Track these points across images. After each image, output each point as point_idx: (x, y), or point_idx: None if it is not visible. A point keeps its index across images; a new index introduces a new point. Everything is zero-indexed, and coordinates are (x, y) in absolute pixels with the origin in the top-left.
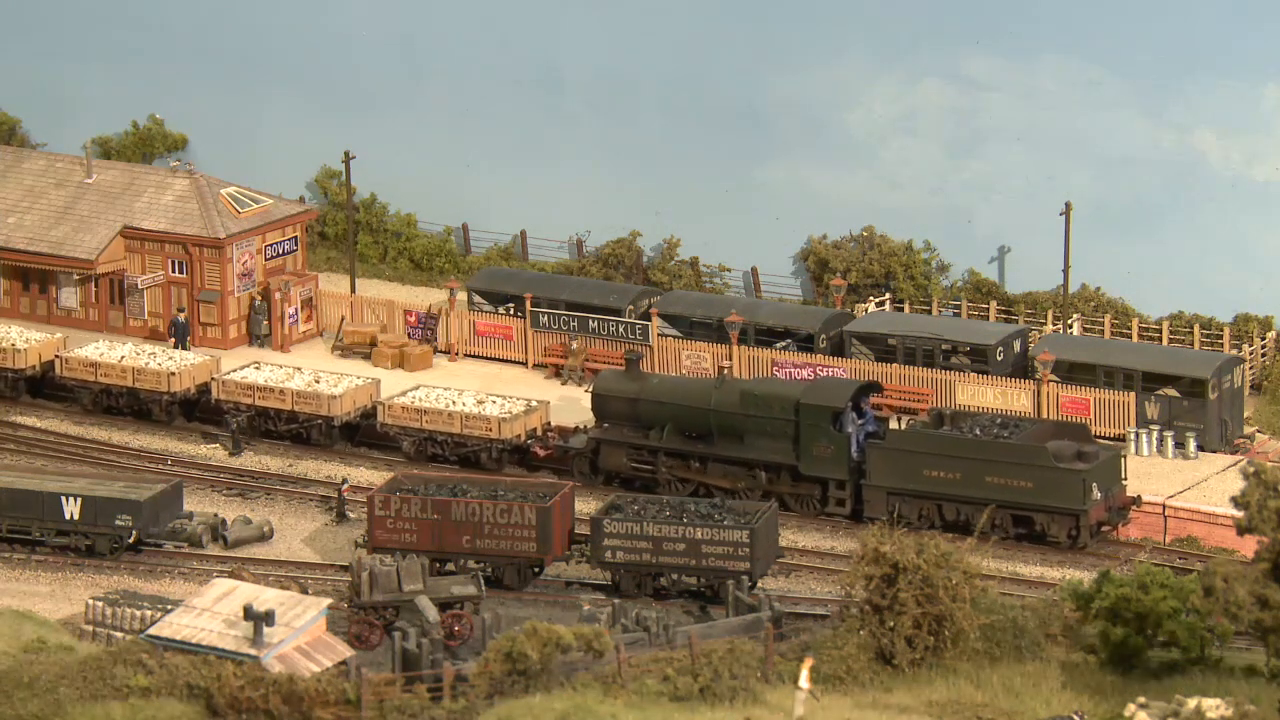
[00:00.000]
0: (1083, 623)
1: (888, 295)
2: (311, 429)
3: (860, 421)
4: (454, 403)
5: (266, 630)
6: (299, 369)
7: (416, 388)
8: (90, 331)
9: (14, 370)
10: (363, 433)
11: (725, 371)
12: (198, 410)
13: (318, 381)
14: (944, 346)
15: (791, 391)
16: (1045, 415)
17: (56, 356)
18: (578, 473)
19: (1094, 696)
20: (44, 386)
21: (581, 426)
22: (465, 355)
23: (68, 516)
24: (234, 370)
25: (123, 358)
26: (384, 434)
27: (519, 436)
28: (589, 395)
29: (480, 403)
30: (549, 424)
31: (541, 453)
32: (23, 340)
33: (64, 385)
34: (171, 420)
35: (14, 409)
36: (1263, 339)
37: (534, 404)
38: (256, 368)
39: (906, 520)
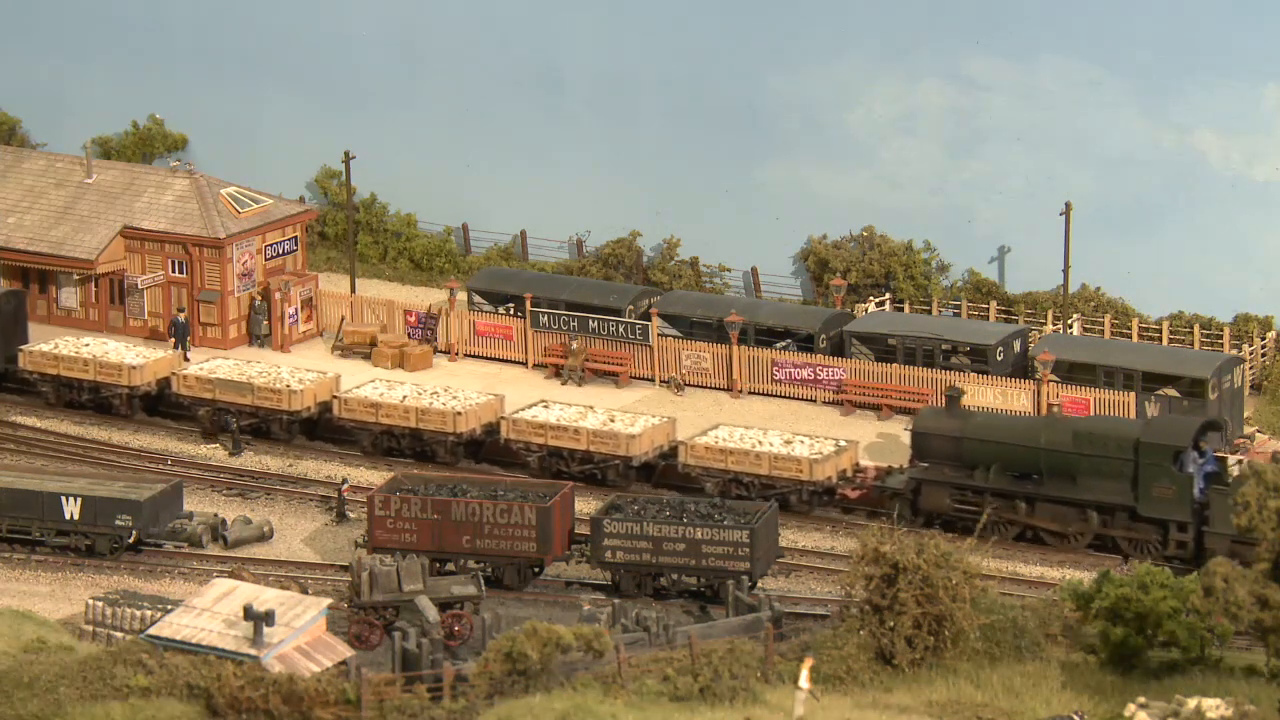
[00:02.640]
0: (1083, 623)
1: (888, 295)
2: (607, 469)
3: (1201, 461)
4: (760, 442)
5: (266, 630)
6: (591, 407)
7: (717, 426)
8: (90, 331)
9: (289, 412)
10: (660, 473)
11: (1055, 409)
12: (481, 451)
13: (613, 420)
14: (944, 346)
15: (1129, 430)
16: None
17: (334, 397)
18: (897, 515)
19: (1094, 696)
20: (319, 428)
21: (896, 467)
22: (465, 355)
23: (68, 516)
24: (523, 409)
25: (405, 398)
26: (686, 475)
27: (830, 478)
28: (908, 433)
29: (788, 442)
30: (858, 464)
31: (853, 494)
32: (297, 380)
33: (340, 427)
34: (456, 462)
35: (286, 451)
36: (1263, 339)
37: (843, 443)
38: (545, 406)
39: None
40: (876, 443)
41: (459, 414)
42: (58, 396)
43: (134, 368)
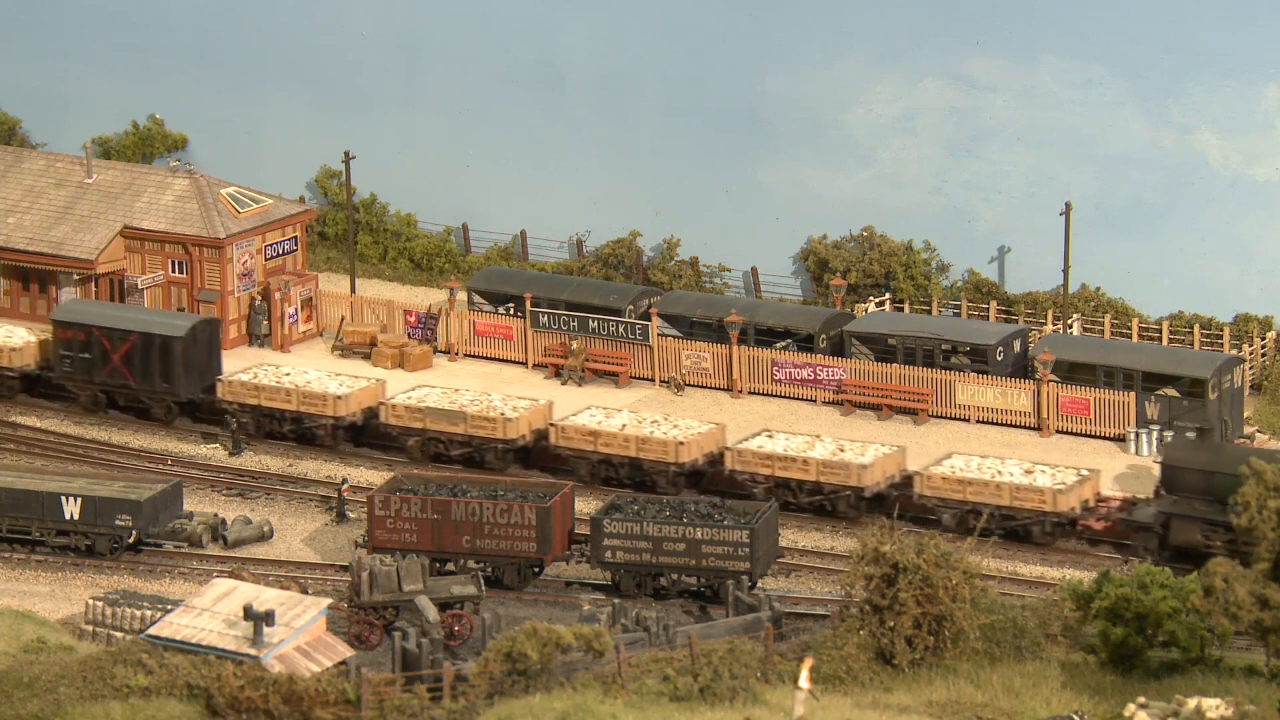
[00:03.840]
0: (1083, 623)
1: (888, 295)
2: (838, 501)
3: None
4: (999, 472)
5: (266, 630)
6: (818, 436)
7: (950, 455)
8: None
9: (504, 441)
10: (889, 504)
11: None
12: (703, 482)
13: (842, 450)
14: (944, 346)
15: None
16: (1046, 416)
17: (550, 425)
18: (1143, 548)
19: (1094, 696)
20: (534, 456)
21: (1141, 498)
22: (465, 355)
23: (68, 516)
24: (748, 439)
25: (624, 426)
26: (921, 506)
27: (1073, 509)
28: (1157, 465)
29: (1028, 471)
30: (1100, 494)
31: (1098, 525)
32: (510, 408)
33: (558, 455)
34: (677, 491)
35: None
36: (1263, 339)
37: (1085, 473)
38: (769, 436)
39: None
40: (1124, 473)
41: (681, 444)
42: (257, 427)
43: (339, 397)
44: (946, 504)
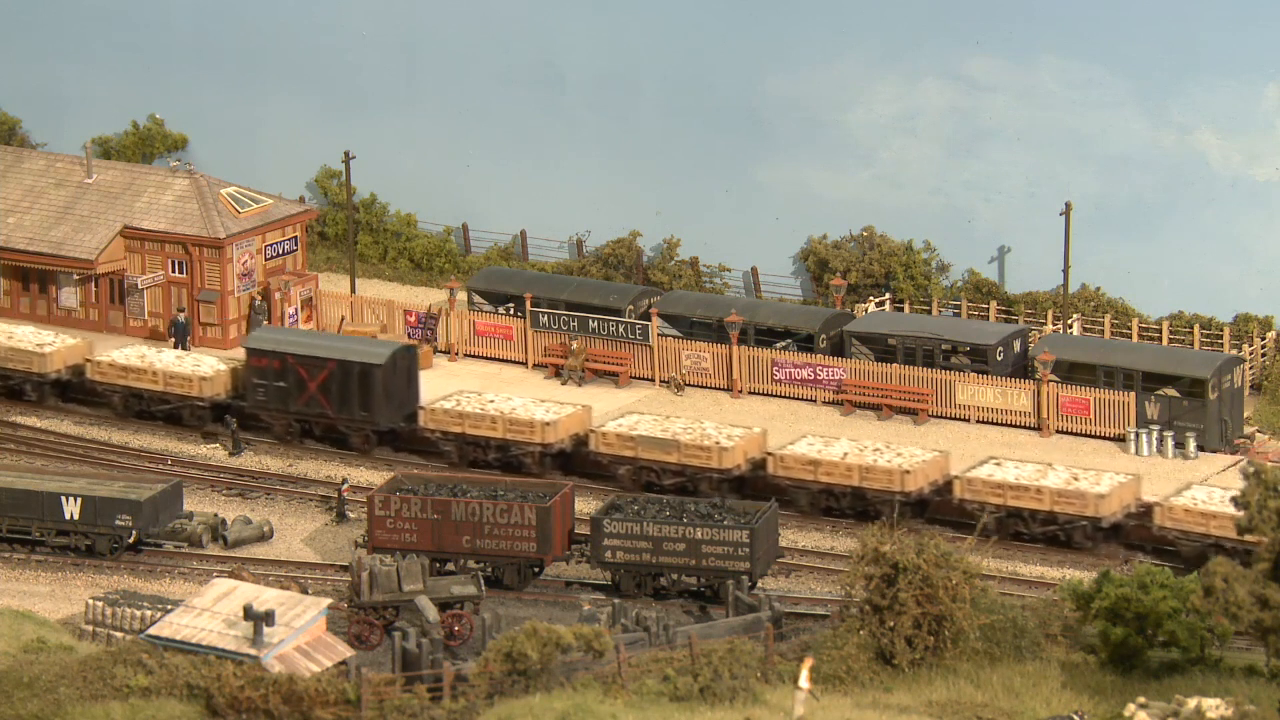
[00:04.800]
0: (1083, 623)
1: (888, 295)
2: (1073, 531)
3: None
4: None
5: (266, 630)
6: (1050, 465)
7: (1189, 485)
8: (90, 331)
9: (719, 471)
10: (1126, 534)
11: None
12: (928, 511)
13: (1076, 479)
14: (944, 346)
15: None
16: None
17: (768, 454)
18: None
19: (1094, 696)
20: (748, 485)
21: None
22: (465, 355)
23: (68, 516)
24: (975, 467)
25: (845, 454)
26: (1161, 538)
27: None
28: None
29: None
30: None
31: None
32: (725, 436)
33: (776, 486)
34: (898, 524)
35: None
36: (1263, 339)
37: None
38: (998, 464)
39: None
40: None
41: (907, 472)
42: (461, 455)
43: (547, 424)
44: (1189, 536)
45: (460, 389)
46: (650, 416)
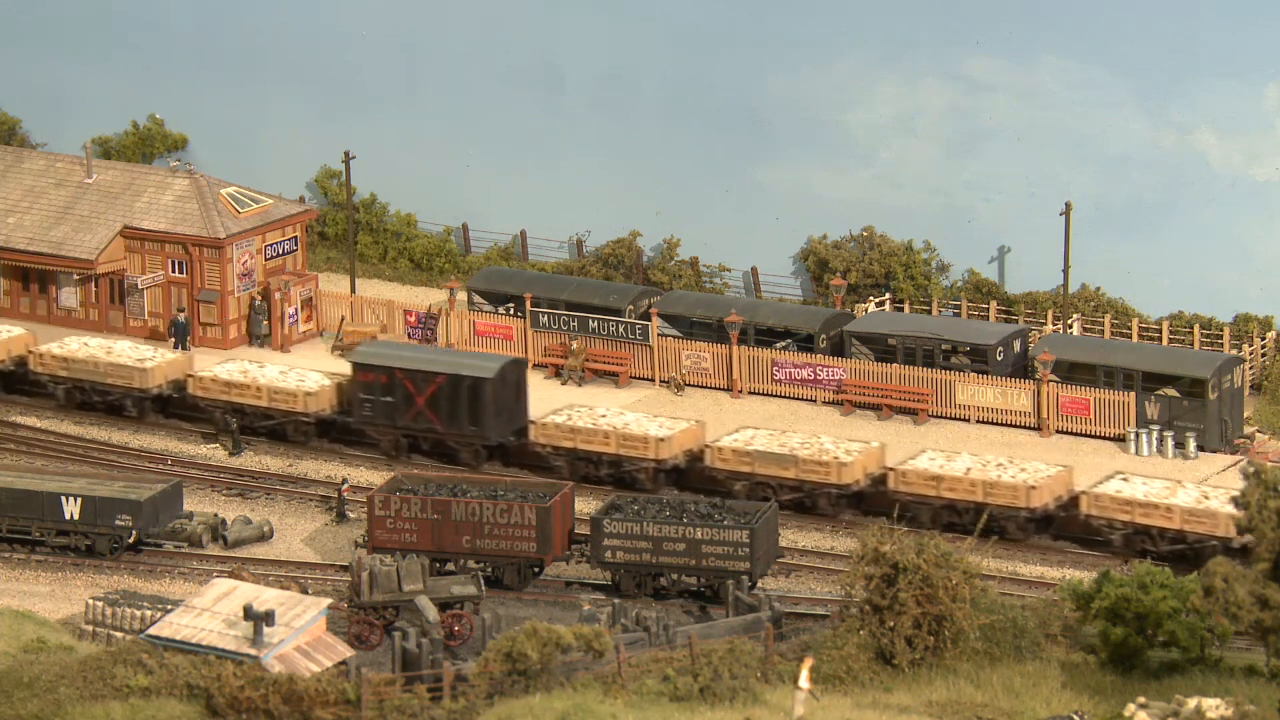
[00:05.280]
0: (1083, 623)
1: (888, 295)
2: (1203, 551)
3: None
4: None
5: (266, 630)
6: (1179, 482)
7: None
8: (90, 331)
9: (838, 487)
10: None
11: None
12: (1053, 527)
13: (1207, 497)
14: (944, 346)
15: None
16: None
17: (889, 470)
18: None
19: (1094, 696)
20: (867, 501)
21: None
22: None
23: (68, 516)
24: (1101, 483)
25: (969, 470)
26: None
27: None
28: None
29: None
30: None
31: None
32: (844, 451)
33: (897, 501)
34: (1026, 538)
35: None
36: (1263, 339)
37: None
38: (1125, 479)
39: None
40: None
41: (1033, 488)
42: (572, 470)
43: (661, 440)
44: None
45: (570, 403)
46: (766, 431)
